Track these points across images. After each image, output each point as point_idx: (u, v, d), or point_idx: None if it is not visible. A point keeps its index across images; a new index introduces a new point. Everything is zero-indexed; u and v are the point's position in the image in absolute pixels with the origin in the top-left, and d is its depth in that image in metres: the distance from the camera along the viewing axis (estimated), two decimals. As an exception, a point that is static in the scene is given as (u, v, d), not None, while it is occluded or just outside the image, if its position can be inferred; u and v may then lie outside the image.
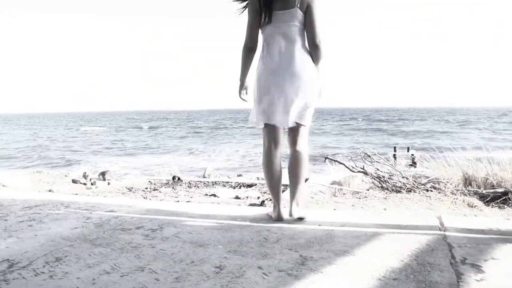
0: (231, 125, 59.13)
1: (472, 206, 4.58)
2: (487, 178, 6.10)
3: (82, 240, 2.38)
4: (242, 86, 2.78)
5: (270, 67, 2.55)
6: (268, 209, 3.20)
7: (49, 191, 5.35)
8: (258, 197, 4.23)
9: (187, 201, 4.01)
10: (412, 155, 13.84)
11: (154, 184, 5.42)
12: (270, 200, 3.87)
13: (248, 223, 2.72)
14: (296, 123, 2.69)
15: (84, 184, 6.81)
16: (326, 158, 6.22)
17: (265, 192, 4.68)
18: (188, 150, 26.39)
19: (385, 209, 4.05)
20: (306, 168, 2.83)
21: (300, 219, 2.73)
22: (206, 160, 20.86)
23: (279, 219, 2.74)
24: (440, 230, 2.56)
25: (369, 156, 6.05)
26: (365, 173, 6.06)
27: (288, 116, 2.62)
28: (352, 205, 4.17)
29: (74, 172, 10.36)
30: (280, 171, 2.76)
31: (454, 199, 4.83)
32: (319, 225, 2.65)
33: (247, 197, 4.20)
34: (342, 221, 2.75)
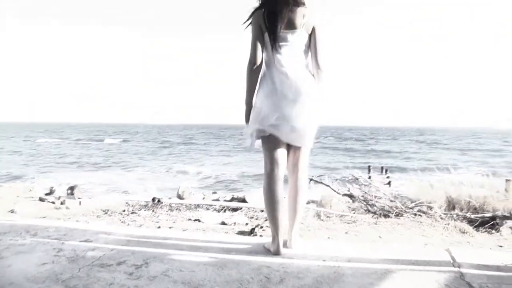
0: (204, 141, 58.23)
1: (463, 232, 4.45)
2: (470, 201, 6.03)
3: (52, 280, 2.04)
4: (249, 109, 2.54)
5: (273, 87, 2.40)
6: (262, 239, 2.94)
7: (12, 211, 4.89)
8: (246, 223, 3.95)
9: (170, 227, 3.69)
10: (388, 177, 13.87)
11: (132, 206, 5.04)
12: (261, 227, 3.61)
13: (244, 257, 2.44)
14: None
15: (53, 203, 6.34)
16: (311, 179, 6.00)
17: (252, 217, 4.40)
18: (158, 167, 25.70)
19: (380, 236, 3.84)
20: (306, 196, 2.63)
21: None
22: (177, 177, 20.37)
23: (278, 253, 2.47)
24: (453, 266, 2.36)
25: (357, 179, 5.88)
26: (352, 197, 5.88)
27: (294, 134, 2.44)
28: (346, 232, 3.94)
29: (38, 184, 9.76)
30: (282, 198, 2.52)
31: (445, 224, 4.69)
32: (324, 260, 2.40)
33: (234, 223, 3.91)
34: (347, 255, 2.51)
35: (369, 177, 11.53)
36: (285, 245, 2.59)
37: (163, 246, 2.65)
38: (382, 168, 17.61)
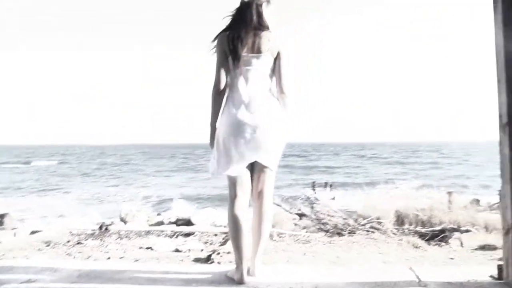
0: (144, 161, 56.30)
1: (417, 247, 4.54)
2: (418, 215, 6.20)
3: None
4: (214, 132, 2.50)
5: (236, 111, 2.37)
6: (222, 267, 2.81)
7: None
8: (202, 249, 3.78)
9: (121, 257, 3.45)
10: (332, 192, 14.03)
11: (78, 235, 4.69)
12: (218, 253, 3.46)
13: (206, 288, 2.29)
14: (262, 166, 2.45)
15: (-20, 236, 5.76)
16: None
17: (206, 242, 4.23)
18: (97, 189, 24.43)
19: (338, 257, 3.81)
20: (271, 222, 2.54)
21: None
22: (117, 200, 19.48)
23: (242, 282, 2.36)
24: (420, 285, 2.35)
25: (309, 198, 5.89)
26: (303, 216, 5.86)
27: (254, 156, 2.39)
28: (304, 254, 3.87)
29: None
30: (247, 225, 2.45)
31: (398, 240, 4.76)
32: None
33: (189, 250, 3.73)
34: (313, 280, 2.43)
35: (314, 192, 11.63)
36: (248, 273, 2.48)
37: (117, 280, 2.43)
38: (326, 183, 17.78)
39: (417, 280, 2.43)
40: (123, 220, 9.18)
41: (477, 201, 8.36)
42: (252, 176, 2.48)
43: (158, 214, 11.24)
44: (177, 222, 8.89)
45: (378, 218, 5.84)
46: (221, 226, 8.30)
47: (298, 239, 4.88)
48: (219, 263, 3.23)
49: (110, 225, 6.45)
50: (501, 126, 2.16)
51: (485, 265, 3.50)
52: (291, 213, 5.91)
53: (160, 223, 9.03)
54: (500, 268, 2.18)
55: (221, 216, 9.45)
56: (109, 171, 39.03)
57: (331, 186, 16.60)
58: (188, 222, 8.78)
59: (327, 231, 5.41)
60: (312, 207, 6.00)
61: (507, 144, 2.09)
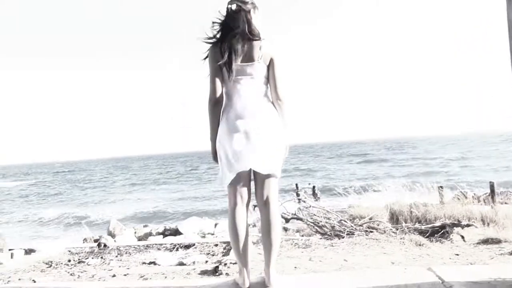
0: (113, 176, 53.63)
1: (420, 245, 4.49)
2: (412, 212, 6.18)
3: None
4: (214, 146, 2.47)
5: (233, 121, 2.37)
6: (229, 278, 2.74)
7: None
8: (206, 261, 3.66)
9: (125, 274, 3.30)
10: (316, 194, 14.04)
11: (77, 253, 4.49)
12: (225, 264, 3.35)
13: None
14: (266, 174, 2.41)
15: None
16: (255, 206, 5.87)
17: (209, 253, 4.10)
18: (71, 207, 23.28)
19: (345, 260, 3.73)
20: (281, 229, 2.48)
21: None
22: (98, 214, 18.86)
23: (245, 285, 2.38)
24: (445, 286, 2.28)
25: (304, 202, 5.81)
26: (300, 220, 5.78)
27: (255, 161, 2.35)
28: (310, 259, 3.78)
29: None
30: (247, 231, 2.41)
31: (400, 238, 4.71)
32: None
33: (194, 262, 3.60)
34: (335, 288, 2.34)
35: (297, 194, 11.55)
36: (264, 284, 2.41)
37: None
38: (310, 185, 17.81)
39: (440, 281, 2.36)
40: (111, 234, 9.01)
41: (464, 194, 8.41)
42: (256, 184, 2.46)
43: (145, 226, 11.05)
44: (165, 232, 8.77)
45: (371, 218, 5.78)
46: (209, 234, 8.20)
47: (296, 244, 4.78)
48: (227, 274, 3.11)
49: (99, 239, 6.27)
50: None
51: (497, 260, 3.48)
52: (286, 218, 5.82)
53: (148, 234, 8.89)
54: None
55: (206, 224, 9.40)
56: (81, 187, 37.31)
57: (314, 187, 16.59)
58: (176, 232, 8.66)
59: (324, 233, 5.34)
60: (306, 210, 5.93)
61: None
